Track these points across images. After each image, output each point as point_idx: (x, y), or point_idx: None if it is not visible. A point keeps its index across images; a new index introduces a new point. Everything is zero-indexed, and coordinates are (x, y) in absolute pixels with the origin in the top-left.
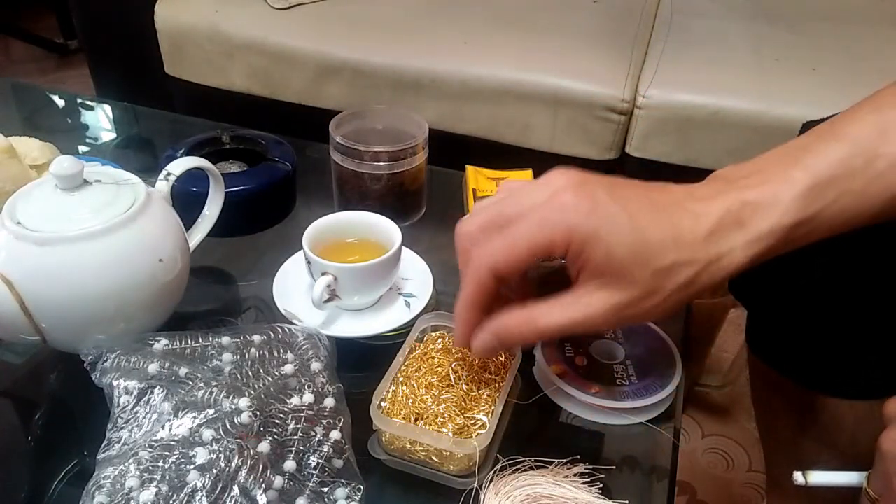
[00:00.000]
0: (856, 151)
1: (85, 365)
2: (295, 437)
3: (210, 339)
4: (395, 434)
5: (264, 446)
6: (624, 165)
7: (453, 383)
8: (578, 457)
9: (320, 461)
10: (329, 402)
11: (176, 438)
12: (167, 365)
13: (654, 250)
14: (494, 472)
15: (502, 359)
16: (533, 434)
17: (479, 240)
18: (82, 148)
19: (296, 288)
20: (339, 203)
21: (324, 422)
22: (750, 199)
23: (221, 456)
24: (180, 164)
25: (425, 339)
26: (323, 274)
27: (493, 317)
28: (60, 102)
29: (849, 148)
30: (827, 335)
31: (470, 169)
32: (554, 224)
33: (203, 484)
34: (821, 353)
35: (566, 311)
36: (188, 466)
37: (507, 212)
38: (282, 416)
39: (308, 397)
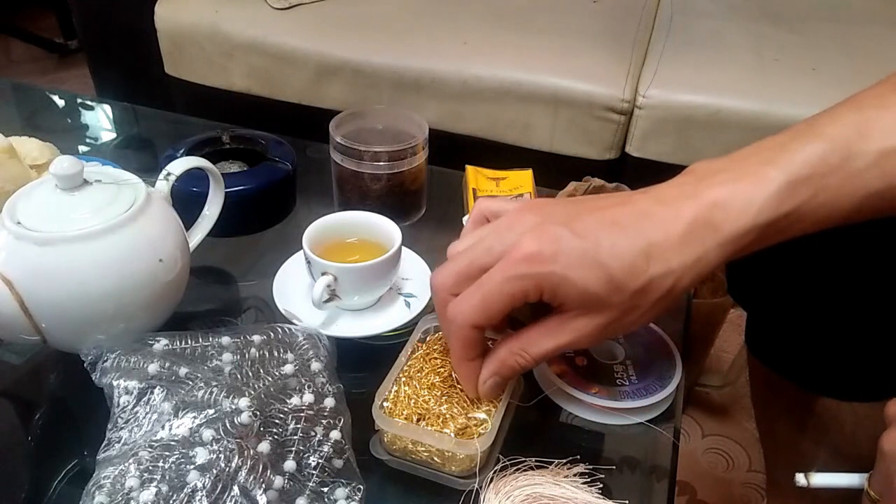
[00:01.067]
0: (833, 149)
1: (85, 365)
2: (295, 437)
3: (210, 339)
4: (397, 434)
5: (264, 446)
6: (624, 165)
7: (455, 384)
8: (578, 457)
9: (320, 461)
10: (329, 402)
11: (176, 438)
12: (167, 365)
13: (627, 275)
14: (494, 472)
15: None
16: (533, 434)
17: (455, 291)
18: (82, 148)
19: (296, 288)
20: (339, 203)
21: (324, 422)
22: (720, 200)
23: (221, 456)
24: (180, 164)
25: (428, 339)
26: (323, 274)
27: (488, 357)
28: (60, 102)
29: (826, 146)
30: (827, 337)
31: (470, 169)
32: (523, 277)
33: (203, 484)
34: (821, 355)
35: (554, 339)
36: (188, 466)
37: (479, 262)
38: (282, 416)
39: (308, 397)
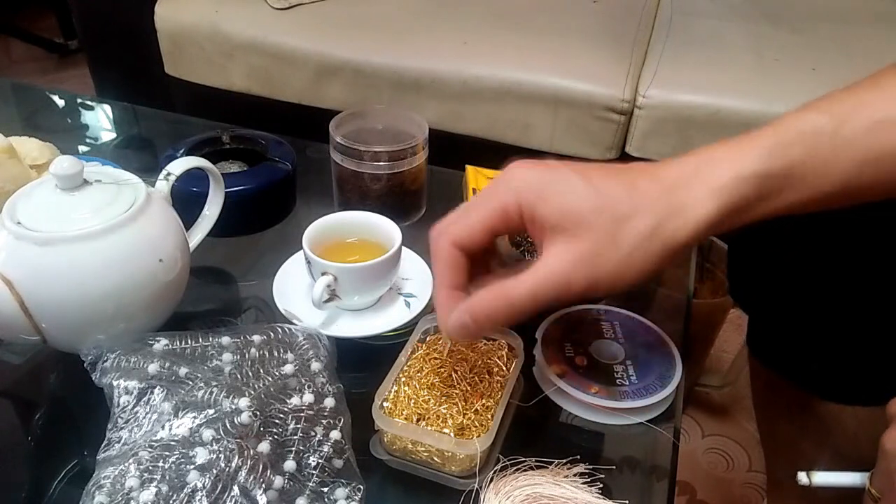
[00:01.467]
0: (826, 118)
1: (85, 365)
2: (295, 437)
3: (210, 339)
4: (397, 434)
5: (264, 446)
6: None
7: (455, 384)
8: (578, 457)
9: (320, 461)
10: (329, 402)
11: (176, 438)
12: (167, 365)
13: (609, 200)
14: (494, 472)
15: (504, 358)
16: (533, 434)
17: None
18: (82, 148)
19: (296, 288)
20: (339, 203)
21: (324, 422)
22: (712, 156)
23: (221, 456)
24: (180, 164)
25: (427, 339)
26: (323, 274)
27: (469, 297)
28: (60, 102)
29: (819, 116)
30: (829, 340)
31: (470, 169)
32: (503, 191)
33: (203, 484)
34: (823, 358)
35: (534, 276)
36: (188, 466)
37: (469, 203)
38: (282, 416)
39: (308, 397)
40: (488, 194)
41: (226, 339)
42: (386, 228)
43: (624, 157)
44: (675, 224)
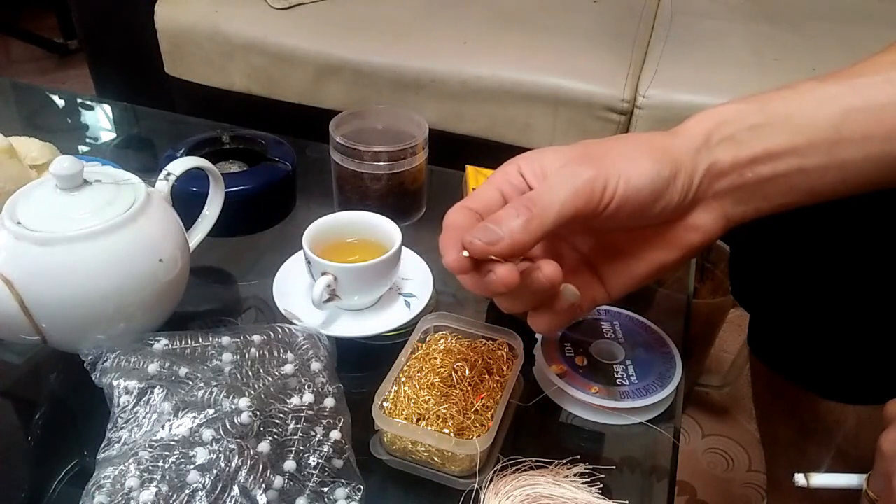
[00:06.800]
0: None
1: (85, 365)
2: (295, 437)
3: (210, 339)
4: (397, 434)
5: (264, 446)
6: None
7: (455, 384)
8: (578, 457)
9: (320, 461)
10: (329, 402)
11: (176, 438)
12: (167, 365)
13: (604, 139)
14: (494, 472)
15: (504, 358)
16: (533, 434)
17: None
18: (82, 148)
19: (296, 288)
20: (339, 203)
21: (324, 422)
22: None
23: (221, 456)
24: (180, 164)
25: (427, 339)
26: (323, 274)
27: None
28: (60, 102)
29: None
30: (831, 339)
31: (470, 169)
32: (507, 164)
33: (203, 484)
34: (825, 357)
35: (551, 180)
36: (188, 466)
37: None
38: (282, 416)
39: (308, 397)
40: (496, 171)
41: (226, 339)
42: (386, 228)
43: None
44: (669, 134)
